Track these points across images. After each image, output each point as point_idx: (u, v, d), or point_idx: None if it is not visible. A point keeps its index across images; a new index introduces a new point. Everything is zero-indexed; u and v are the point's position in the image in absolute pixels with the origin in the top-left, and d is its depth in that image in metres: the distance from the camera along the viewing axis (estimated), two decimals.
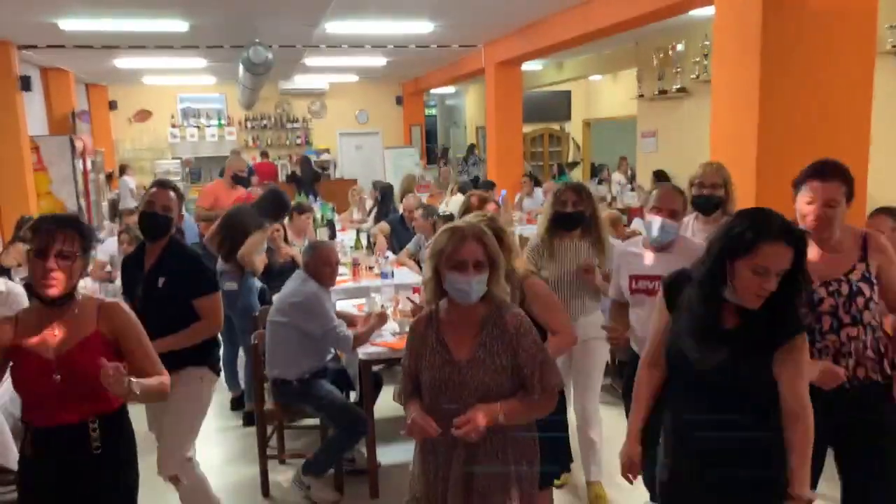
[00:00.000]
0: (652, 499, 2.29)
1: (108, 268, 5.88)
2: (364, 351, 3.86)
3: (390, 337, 4.05)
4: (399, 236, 6.57)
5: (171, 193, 3.20)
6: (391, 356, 3.98)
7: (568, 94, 14.75)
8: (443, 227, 2.35)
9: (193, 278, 3.23)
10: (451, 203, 8.63)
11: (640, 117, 10.44)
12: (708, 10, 5.20)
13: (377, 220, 7.75)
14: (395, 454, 4.23)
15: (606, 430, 3.74)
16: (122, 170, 12.21)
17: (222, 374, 5.11)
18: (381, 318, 4.05)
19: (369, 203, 8.72)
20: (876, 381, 2.44)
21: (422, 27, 8.04)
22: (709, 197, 3.50)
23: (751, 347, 1.98)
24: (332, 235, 7.38)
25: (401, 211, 7.03)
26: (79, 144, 9.34)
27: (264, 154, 13.81)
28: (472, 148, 15.15)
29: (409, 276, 5.52)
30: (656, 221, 2.97)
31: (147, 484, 4.12)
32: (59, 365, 2.26)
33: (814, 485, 2.38)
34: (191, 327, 3.18)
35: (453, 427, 2.12)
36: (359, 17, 7.42)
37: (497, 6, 7.22)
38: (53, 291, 2.25)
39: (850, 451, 2.47)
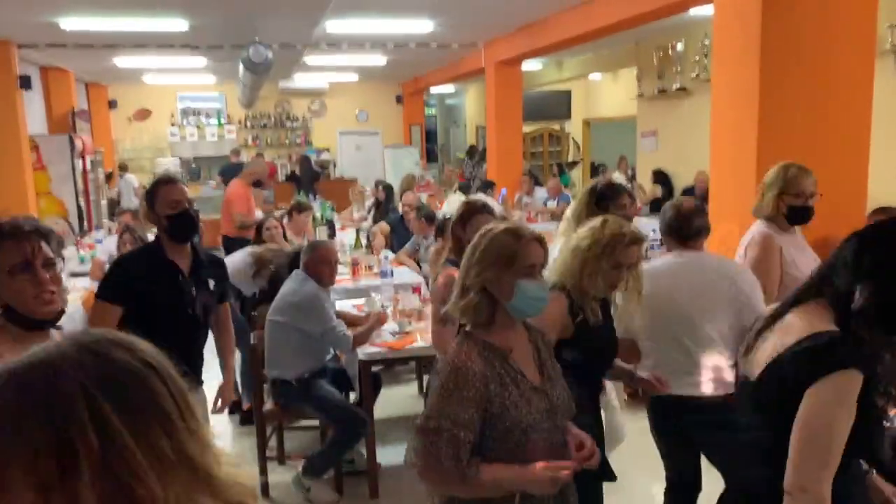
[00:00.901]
0: None
1: (107, 267, 5.88)
2: (364, 351, 3.86)
3: (390, 337, 4.05)
4: (399, 236, 6.57)
5: (184, 187, 3.07)
6: (391, 356, 3.98)
7: (568, 93, 14.74)
8: (494, 228, 1.97)
9: (226, 280, 3.21)
10: (451, 203, 8.63)
11: (640, 117, 10.43)
12: (708, 10, 5.19)
13: (377, 219, 7.75)
14: (395, 455, 4.22)
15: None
16: (124, 168, 12.22)
17: (220, 374, 5.15)
18: (381, 318, 4.04)
19: (369, 202, 8.72)
20: None
21: (422, 26, 8.03)
22: (811, 207, 3.24)
23: None
24: (332, 235, 7.39)
25: (400, 210, 7.03)
26: (78, 143, 9.34)
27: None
28: (473, 148, 15.21)
29: (408, 275, 5.51)
30: None
31: None
32: None
33: None
34: (230, 338, 3.18)
35: (572, 459, 1.85)
36: (359, 16, 7.41)
37: (497, 6, 7.21)
38: (56, 306, 1.90)
39: None
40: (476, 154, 14.45)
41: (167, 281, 2.89)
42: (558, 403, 1.93)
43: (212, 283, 3.02)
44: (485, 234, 1.96)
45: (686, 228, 2.90)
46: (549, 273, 2.40)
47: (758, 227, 3.27)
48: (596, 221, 2.49)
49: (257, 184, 6.95)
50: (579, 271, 2.41)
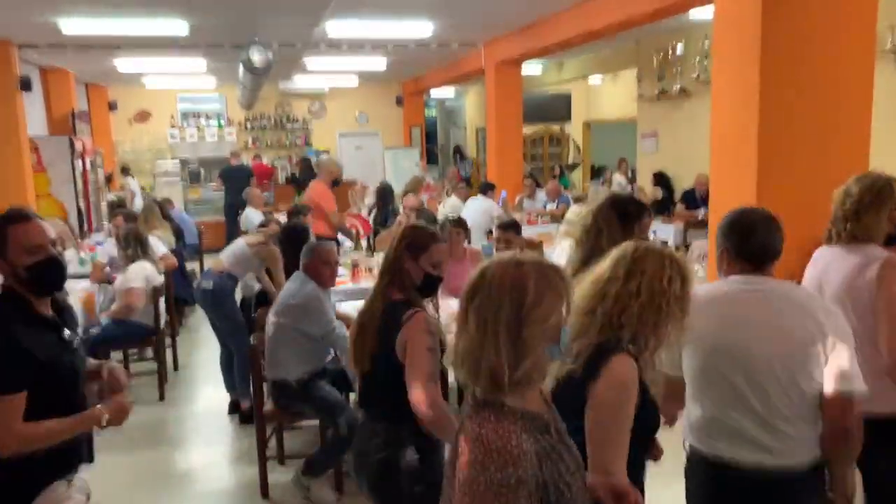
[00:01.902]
0: None
1: (108, 269, 5.88)
2: None
3: None
4: None
5: (44, 224, 2.31)
6: None
7: (568, 95, 14.76)
8: (527, 264, 1.53)
9: (76, 327, 2.48)
10: (448, 205, 8.63)
11: (640, 118, 10.44)
12: (708, 11, 5.20)
13: (377, 220, 7.75)
14: None
15: None
16: (126, 171, 12.17)
17: (221, 375, 5.17)
18: None
19: (370, 200, 8.72)
20: None
21: (422, 27, 8.03)
22: None
23: None
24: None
25: (401, 212, 7.04)
26: (78, 145, 9.34)
27: (257, 157, 13.81)
28: (458, 148, 15.46)
29: None
30: None
31: (145, 484, 4.12)
32: None
33: None
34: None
35: None
36: (359, 17, 7.42)
37: (497, 6, 7.22)
38: None
39: None
40: (462, 155, 14.65)
41: (55, 344, 2.25)
42: (579, 458, 1.62)
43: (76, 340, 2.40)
44: (526, 274, 1.51)
45: (768, 248, 2.26)
46: (588, 327, 1.89)
47: (875, 252, 2.65)
48: (656, 256, 1.91)
49: (336, 182, 7.29)
50: (654, 322, 1.87)
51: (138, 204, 10.90)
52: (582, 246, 2.68)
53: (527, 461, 1.42)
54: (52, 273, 2.25)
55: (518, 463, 1.41)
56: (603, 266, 1.95)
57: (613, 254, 1.97)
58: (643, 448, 2.02)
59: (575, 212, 5.12)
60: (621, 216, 2.65)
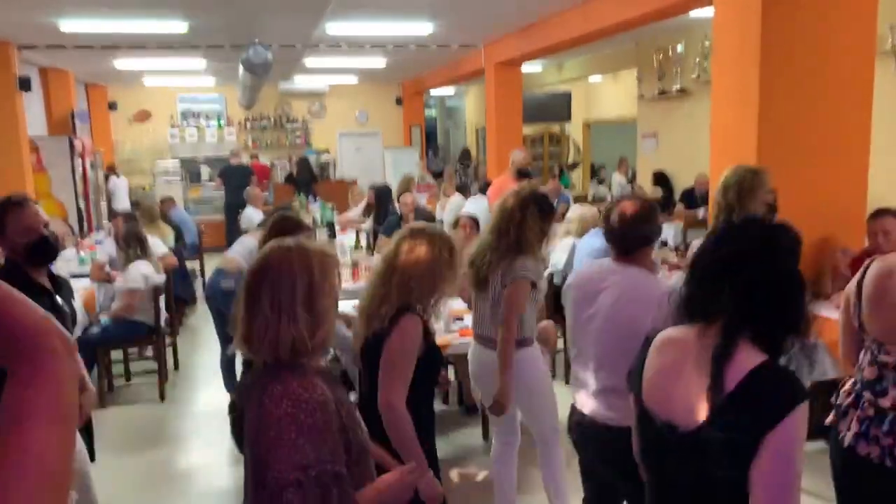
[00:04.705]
0: None
1: (108, 268, 5.88)
2: None
3: None
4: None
5: (37, 208, 2.81)
6: None
7: (568, 94, 14.74)
8: (322, 250, 1.85)
9: (72, 300, 3.01)
10: (449, 204, 8.63)
11: (641, 118, 10.44)
12: (708, 11, 5.19)
13: (376, 220, 7.74)
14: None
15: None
16: (112, 170, 12.09)
17: (221, 375, 5.17)
18: None
19: (363, 202, 8.71)
20: None
21: (421, 27, 8.03)
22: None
23: None
24: (332, 236, 7.40)
25: (399, 211, 7.02)
26: (78, 145, 9.34)
27: (254, 157, 13.80)
28: (466, 152, 15.39)
29: None
30: None
31: (145, 483, 4.12)
32: None
33: None
34: None
35: None
36: (358, 18, 7.42)
37: (497, 6, 7.21)
38: None
39: None
40: (469, 159, 14.55)
41: (47, 308, 2.48)
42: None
43: (68, 307, 2.81)
44: (309, 254, 1.78)
45: (627, 238, 2.52)
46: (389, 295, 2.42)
47: None
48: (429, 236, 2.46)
49: (521, 173, 7.18)
50: (431, 286, 2.49)
51: (117, 203, 10.92)
52: (504, 233, 3.09)
53: (331, 406, 1.64)
54: (44, 251, 2.74)
55: (325, 408, 1.62)
56: (391, 248, 2.46)
57: (396, 238, 2.48)
58: (431, 383, 2.47)
59: (575, 211, 5.13)
60: (543, 210, 3.14)
